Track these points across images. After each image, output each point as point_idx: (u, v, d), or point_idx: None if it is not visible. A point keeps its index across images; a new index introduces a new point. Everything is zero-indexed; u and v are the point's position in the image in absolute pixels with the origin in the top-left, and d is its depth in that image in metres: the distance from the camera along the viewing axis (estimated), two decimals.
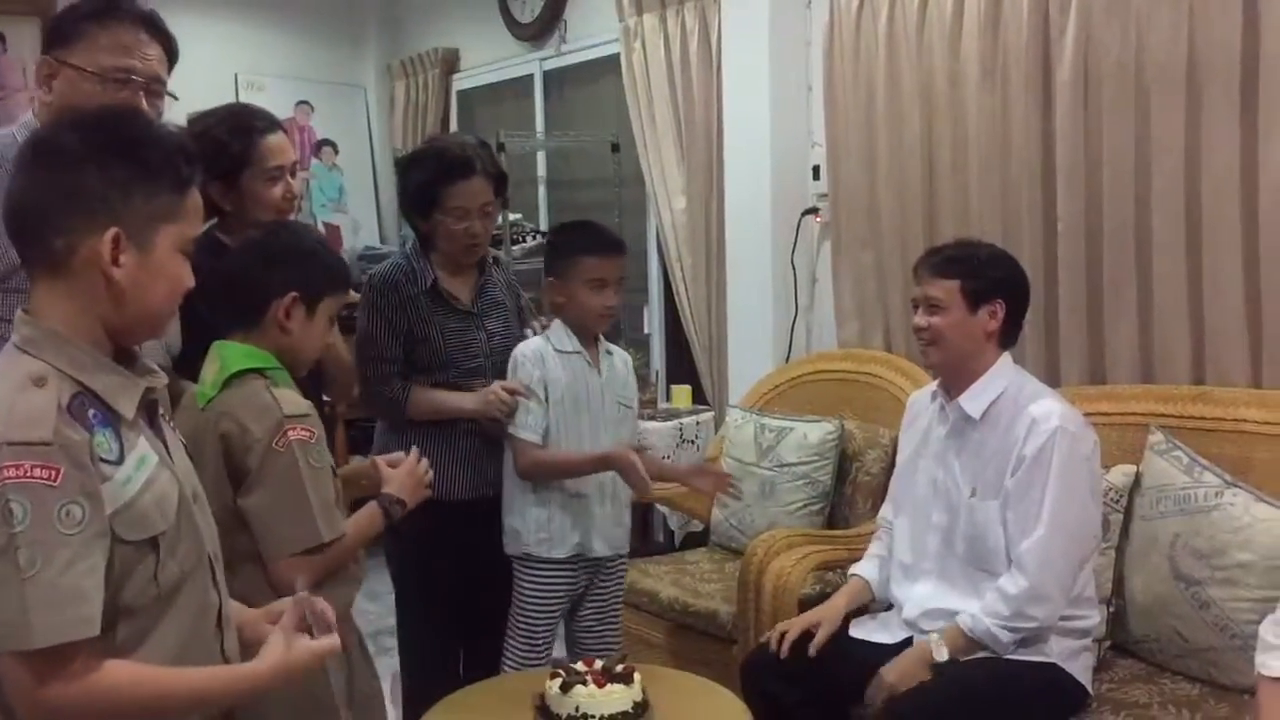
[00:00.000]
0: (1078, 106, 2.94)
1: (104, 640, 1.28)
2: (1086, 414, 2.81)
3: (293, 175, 2.39)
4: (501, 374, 2.65)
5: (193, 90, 2.48)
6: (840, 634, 2.46)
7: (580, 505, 2.62)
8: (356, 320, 2.69)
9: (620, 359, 2.75)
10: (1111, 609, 2.55)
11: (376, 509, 2.09)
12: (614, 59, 4.58)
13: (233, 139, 2.30)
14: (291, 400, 1.90)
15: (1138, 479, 2.58)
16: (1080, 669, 2.31)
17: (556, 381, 2.59)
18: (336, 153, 6.23)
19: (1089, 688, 2.31)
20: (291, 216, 2.41)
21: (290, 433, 1.84)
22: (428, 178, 2.58)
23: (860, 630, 2.49)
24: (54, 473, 1.23)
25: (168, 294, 1.39)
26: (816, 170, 3.79)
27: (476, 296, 2.70)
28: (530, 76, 5.40)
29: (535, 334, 2.80)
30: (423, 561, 2.66)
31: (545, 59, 5.29)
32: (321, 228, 6.12)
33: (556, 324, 2.66)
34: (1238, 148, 2.65)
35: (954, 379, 2.42)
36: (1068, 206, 2.98)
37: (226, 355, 1.94)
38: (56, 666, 1.24)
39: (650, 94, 4.37)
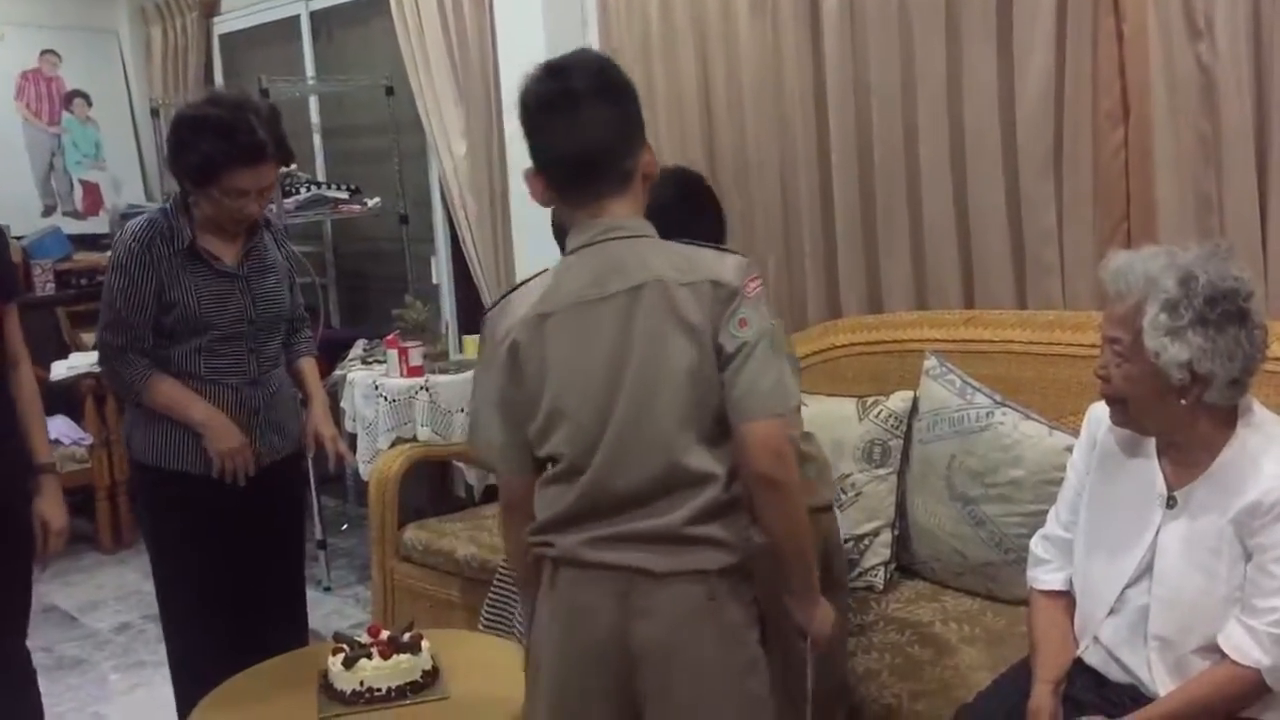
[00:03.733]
0: (844, 37, 2.94)
1: None
2: (866, 343, 2.89)
3: None
4: (264, 338, 2.51)
5: None
6: None
7: None
8: (103, 282, 2.48)
9: None
10: (896, 532, 2.61)
11: None
12: None
13: None
14: None
15: (915, 404, 2.64)
16: None
17: None
18: (90, 105, 5.77)
19: None
20: None
21: None
22: (212, 154, 2.31)
23: None
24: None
25: None
26: None
27: (244, 258, 2.50)
28: (296, 18, 5.11)
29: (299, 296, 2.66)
30: (183, 540, 2.50)
31: None
32: (78, 185, 5.70)
33: None
34: (995, 74, 2.70)
35: None
36: (840, 137, 3.00)
37: None
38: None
39: (423, 34, 4.18)
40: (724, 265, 1.62)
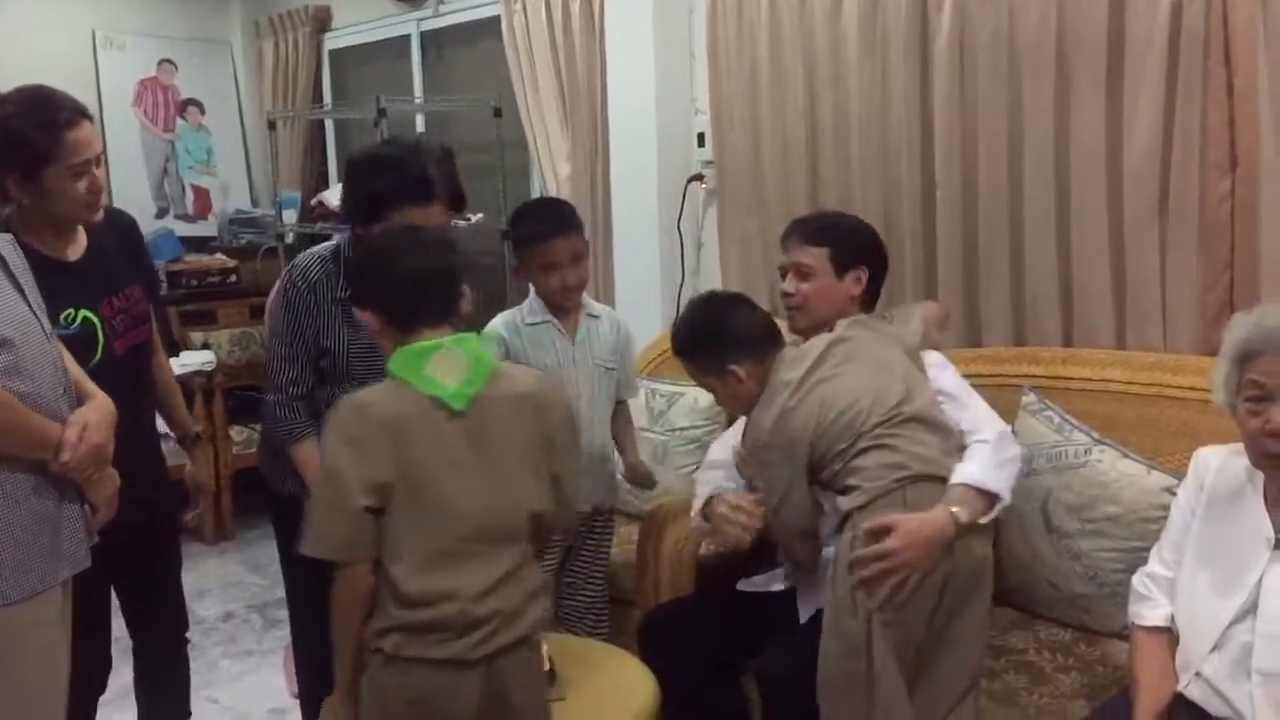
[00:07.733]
0: (954, 78, 3.03)
1: None
2: (965, 376, 2.95)
3: (97, 165, 2.23)
4: None
5: (49, 49, 2.14)
6: (730, 590, 2.56)
7: None
8: (270, 310, 2.62)
9: (608, 321, 2.83)
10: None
11: None
12: (495, 21, 4.52)
13: (38, 133, 2.13)
14: None
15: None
16: None
17: (520, 352, 2.71)
18: (203, 113, 6.03)
19: None
20: (98, 210, 2.28)
21: None
22: (380, 191, 2.31)
23: (749, 585, 2.57)
24: None
25: None
26: (701, 137, 3.83)
27: None
28: (407, 37, 5.30)
29: None
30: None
31: (423, 19, 5.19)
32: (189, 190, 5.95)
33: (531, 296, 2.79)
34: (1103, 120, 2.77)
35: None
36: (945, 175, 3.09)
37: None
38: None
39: (532, 57, 4.34)
40: None
